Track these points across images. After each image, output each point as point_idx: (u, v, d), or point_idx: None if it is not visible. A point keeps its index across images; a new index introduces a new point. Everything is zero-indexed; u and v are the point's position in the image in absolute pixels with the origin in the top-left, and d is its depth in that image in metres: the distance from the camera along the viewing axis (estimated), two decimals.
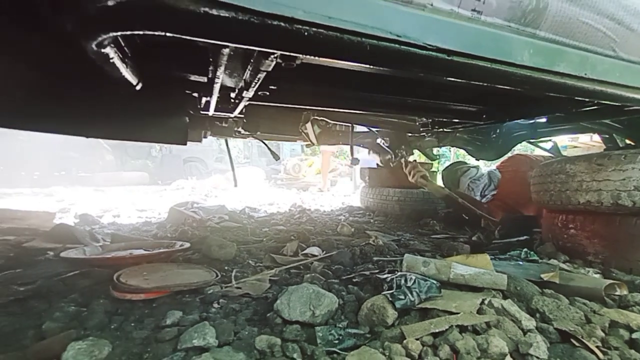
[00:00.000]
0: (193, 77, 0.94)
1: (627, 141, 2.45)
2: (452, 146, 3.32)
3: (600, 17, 0.77)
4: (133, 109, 1.01)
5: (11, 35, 0.68)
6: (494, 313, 0.83)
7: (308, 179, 8.02)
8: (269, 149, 2.54)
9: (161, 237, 2.23)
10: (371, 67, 0.70)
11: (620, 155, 1.60)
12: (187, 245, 1.73)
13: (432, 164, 4.22)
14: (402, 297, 0.89)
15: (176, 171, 10.05)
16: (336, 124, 3.87)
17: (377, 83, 1.11)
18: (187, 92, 1.05)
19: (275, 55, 0.59)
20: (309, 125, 3.13)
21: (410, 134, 4.19)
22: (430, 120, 1.55)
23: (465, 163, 3.28)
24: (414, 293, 0.90)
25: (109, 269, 1.27)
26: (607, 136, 2.30)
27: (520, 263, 1.52)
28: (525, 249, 1.86)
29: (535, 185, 2.13)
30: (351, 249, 1.76)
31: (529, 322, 0.81)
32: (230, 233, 2.38)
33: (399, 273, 1.03)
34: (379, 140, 4.20)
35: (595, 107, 1.21)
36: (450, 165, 3.49)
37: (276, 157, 2.52)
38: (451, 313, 0.83)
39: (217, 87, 0.85)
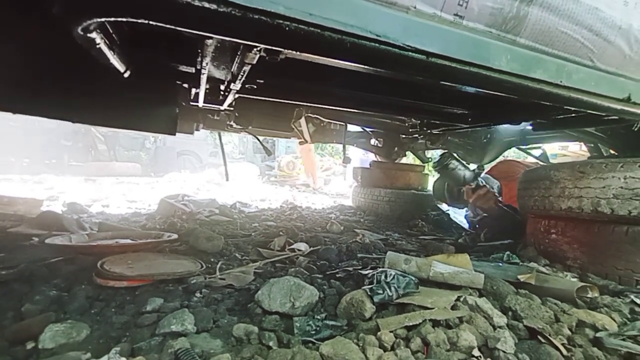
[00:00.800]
0: (182, 67, 0.95)
1: (611, 151, 2.51)
2: (444, 149, 3.35)
3: (579, 27, 0.80)
4: (123, 97, 1.01)
5: (1, 17, 0.68)
6: (467, 309, 0.86)
7: (302, 177, 8.03)
8: (261, 144, 2.55)
9: (150, 227, 2.23)
10: (353, 64, 0.72)
11: (601, 163, 1.65)
12: (175, 236, 1.74)
13: (424, 166, 4.26)
14: (381, 292, 0.91)
15: (169, 164, 9.98)
16: (330, 123, 3.89)
17: (366, 82, 1.13)
18: (178, 82, 1.06)
19: (259, 48, 0.61)
20: (302, 121, 3.14)
21: (403, 136, 4.24)
22: (419, 121, 1.58)
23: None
24: (392, 288, 0.92)
25: (94, 256, 1.28)
26: (592, 145, 2.36)
27: (500, 264, 1.56)
28: (507, 252, 1.91)
29: (521, 190, 2.17)
30: (338, 245, 1.78)
31: (500, 319, 0.84)
32: (219, 227, 2.39)
33: (380, 269, 1.05)
34: (372, 141, 4.24)
35: (574, 115, 1.25)
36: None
37: (269, 152, 2.53)
38: (427, 308, 0.85)
39: (204, 77, 0.86)
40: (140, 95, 1.05)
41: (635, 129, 2.03)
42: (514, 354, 0.70)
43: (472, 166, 3.04)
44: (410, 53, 0.57)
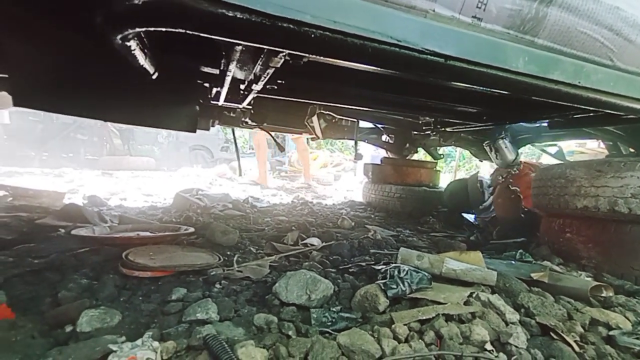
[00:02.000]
0: (206, 69, 0.98)
1: (630, 149, 2.46)
2: (456, 146, 3.33)
3: (598, 27, 0.80)
4: (149, 97, 1.05)
5: (43, 25, 0.72)
6: (480, 305, 0.88)
7: (312, 172, 8.06)
8: (274, 140, 2.59)
9: (167, 221, 2.30)
10: (373, 67, 0.74)
11: (619, 162, 1.63)
12: (192, 230, 1.80)
13: (436, 162, 4.23)
14: (394, 286, 0.94)
15: (182, 158, 10.16)
16: (342, 119, 3.90)
17: (380, 82, 1.14)
18: (199, 82, 1.09)
19: (284, 53, 0.63)
20: (314, 118, 3.16)
21: (415, 132, 4.21)
22: (433, 119, 1.58)
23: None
24: (406, 283, 0.94)
25: (118, 247, 1.34)
26: (610, 143, 2.32)
27: (513, 262, 1.57)
28: (520, 250, 1.90)
29: (535, 188, 2.15)
30: (350, 241, 1.81)
31: (513, 316, 0.85)
32: (233, 221, 2.45)
33: (393, 265, 1.07)
34: (384, 138, 4.23)
35: (592, 115, 1.23)
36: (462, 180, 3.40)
37: (281, 148, 2.57)
38: (439, 303, 0.88)
39: (228, 79, 0.89)
40: (164, 95, 1.09)
41: None
42: (526, 350, 0.72)
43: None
44: (429, 57, 0.58)
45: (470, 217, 3.43)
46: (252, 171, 6.71)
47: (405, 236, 2.36)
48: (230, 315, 0.84)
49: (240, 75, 0.93)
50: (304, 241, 1.75)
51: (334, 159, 9.35)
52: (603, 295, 1.10)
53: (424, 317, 0.79)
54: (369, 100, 1.37)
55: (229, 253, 1.57)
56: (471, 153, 3.37)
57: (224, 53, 0.78)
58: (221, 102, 1.16)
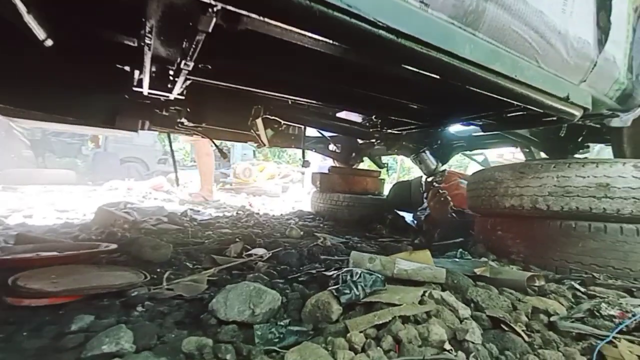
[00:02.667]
0: (121, 39, 0.82)
1: (542, 154, 2.82)
2: (399, 154, 3.48)
3: (527, 28, 0.85)
4: (51, 78, 0.84)
5: None
6: (434, 303, 0.85)
7: (258, 184, 7.82)
8: (216, 146, 2.41)
9: (84, 239, 1.95)
10: (320, 43, 0.68)
11: (537, 164, 1.80)
12: (113, 246, 1.53)
13: (380, 171, 4.38)
14: (348, 291, 0.86)
15: (111, 171, 9.07)
16: (289, 126, 3.84)
17: (329, 70, 1.09)
18: (118, 66, 0.92)
19: (214, 9, 0.53)
20: (259, 123, 3.05)
21: (361, 141, 4.33)
22: (380, 120, 1.57)
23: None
24: (359, 287, 0.88)
25: (8, 272, 1.06)
26: (527, 150, 2.62)
27: (457, 260, 1.62)
28: (460, 249, 2.00)
29: (470, 191, 2.31)
30: (299, 249, 1.71)
31: (465, 311, 0.84)
32: (167, 235, 2.19)
33: (345, 269, 1.01)
34: (331, 147, 4.26)
35: (522, 114, 1.34)
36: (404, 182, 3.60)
37: (224, 155, 2.39)
38: (395, 305, 0.82)
39: (148, 55, 0.75)
40: (72, 77, 0.89)
41: (562, 135, 2.30)
42: (482, 345, 0.70)
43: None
44: (380, 31, 0.54)
45: (408, 217, 3.59)
46: (194, 183, 6.26)
47: (355, 243, 2.34)
48: (152, 343, 0.68)
49: (165, 52, 0.79)
50: (249, 252, 1.60)
51: (281, 170, 9.22)
52: (536, 284, 1.17)
53: (381, 322, 0.73)
54: (316, 92, 1.31)
55: (159, 270, 1.35)
56: (412, 161, 3.56)
57: (140, 16, 0.64)
58: (145, 90, 0.98)
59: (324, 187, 4.02)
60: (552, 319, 0.85)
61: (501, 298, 0.94)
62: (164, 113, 1.49)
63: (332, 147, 4.23)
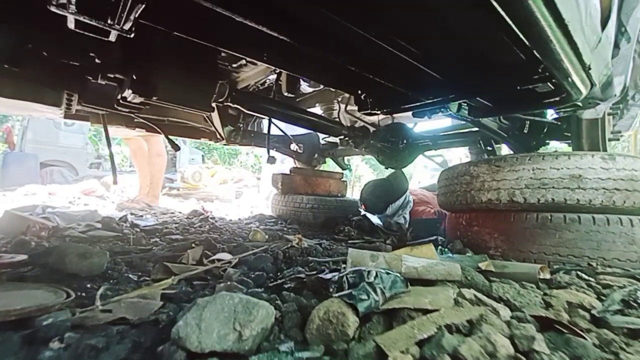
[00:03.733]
0: None
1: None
2: (367, 154, 3.39)
3: None
4: None
5: None
6: (470, 305, 0.68)
7: (210, 190, 7.25)
8: (166, 137, 2.06)
9: None
10: None
11: (513, 157, 1.79)
12: (22, 257, 1.13)
13: (342, 173, 4.28)
14: (365, 296, 0.66)
15: (28, 175, 7.71)
16: (247, 123, 3.54)
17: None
18: None
19: None
20: (215, 114, 2.73)
21: (324, 142, 4.19)
22: (369, 97, 1.38)
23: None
24: (378, 290, 0.68)
25: None
26: (489, 149, 2.68)
27: (451, 255, 1.51)
28: (440, 247, 1.92)
29: (442, 187, 2.26)
30: (271, 252, 1.46)
31: (505, 312, 0.68)
32: (102, 243, 1.77)
33: (351, 269, 0.80)
34: (293, 146, 4.05)
35: (518, 95, 1.24)
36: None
37: (176, 147, 2.05)
38: (428, 311, 0.64)
39: None
40: None
41: (525, 131, 2.38)
42: (549, 354, 0.54)
43: None
44: None
45: (374, 218, 3.51)
46: (134, 188, 5.54)
47: (326, 245, 2.14)
48: None
49: None
50: (210, 258, 1.31)
51: (234, 174, 8.71)
52: (542, 277, 1.08)
53: (425, 335, 0.54)
54: (286, 53, 1.07)
55: (90, 286, 1.01)
56: (379, 161, 3.50)
57: None
58: (71, 20, 0.67)
59: (285, 188, 3.78)
60: (593, 313, 0.73)
61: (531, 294, 0.81)
62: (100, 82, 1.14)
63: (294, 146, 4.02)
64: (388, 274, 0.73)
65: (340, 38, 0.90)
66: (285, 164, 7.57)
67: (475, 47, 0.86)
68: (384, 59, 0.99)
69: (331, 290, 0.78)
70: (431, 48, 0.91)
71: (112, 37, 0.76)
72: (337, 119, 3.08)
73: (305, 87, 3.16)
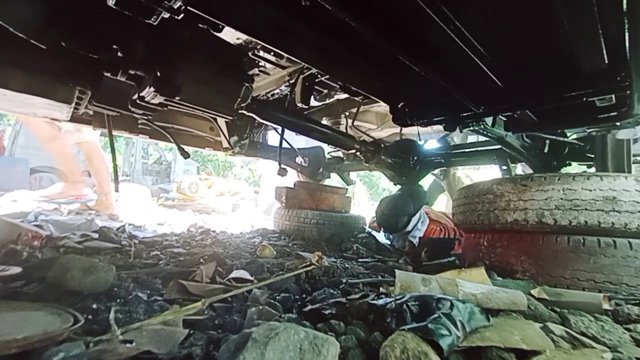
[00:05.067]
0: None
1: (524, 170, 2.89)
2: (375, 169, 3.32)
3: None
4: None
5: None
6: (565, 343, 0.57)
7: (206, 201, 7.07)
8: (177, 144, 1.96)
9: None
10: None
11: (541, 177, 1.73)
12: (16, 270, 1.00)
13: (346, 189, 4.19)
14: (446, 331, 0.54)
15: (18, 181, 7.42)
16: (253, 134, 3.47)
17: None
18: None
19: None
20: (222, 121, 2.65)
21: (329, 157, 4.11)
22: (407, 106, 1.24)
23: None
24: (458, 324, 0.57)
25: None
26: (505, 168, 2.63)
27: (495, 280, 1.40)
28: (463, 269, 1.81)
29: (462, 206, 2.17)
30: (293, 272, 1.33)
31: (606, 354, 0.58)
32: (101, 256, 1.63)
33: (411, 295, 0.69)
34: (298, 159, 3.97)
35: (572, 109, 1.14)
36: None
37: (185, 155, 1.94)
38: (522, 352, 0.53)
39: None
40: None
41: (545, 151, 2.33)
42: None
43: None
44: None
45: (380, 236, 3.39)
46: (127, 198, 5.35)
47: (341, 264, 2.02)
48: None
49: None
50: (231, 276, 1.17)
51: (231, 186, 8.54)
52: (605, 307, 0.98)
53: None
54: (329, 55, 0.97)
55: (96, 306, 0.87)
56: (387, 177, 3.42)
57: None
58: None
59: (290, 202, 3.66)
60: None
61: (614, 329, 0.71)
62: (120, 77, 1.04)
63: (299, 159, 3.93)
64: (463, 303, 0.63)
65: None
66: (286, 177, 7.49)
67: (566, 48, 0.77)
68: (449, 63, 0.89)
69: (388, 320, 0.67)
70: (507, 49, 0.82)
71: (155, 20, 0.67)
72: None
73: (312, 100, 3.12)
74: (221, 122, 2.72)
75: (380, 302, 0.73)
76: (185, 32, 1.04)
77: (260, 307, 0.81)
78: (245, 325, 0.72)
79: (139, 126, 2.55)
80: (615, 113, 1.04)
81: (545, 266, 1.63)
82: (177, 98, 1.09)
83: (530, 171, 3.08)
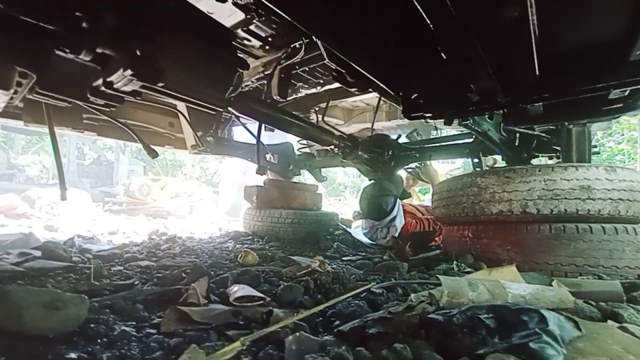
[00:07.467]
0: None
1: (498, 163, 3.04)
2: (353, 165, 3.26)
3: None
4: None
5: None
6: None
7: (160, 204, 6.47)
8: (142, 143, 1.68)
9: None
10: None
11: (523, 169, 1.79)
12: None
13: (317, 186, 4.10)
14: (554, 352, 0.47)
15: None
16: (218, 129, 3.22)
17: None
18: None
19: None
20: (183, 121, 2.40)
21: (299, 151, 3.97)
22: (422, 96, 1.15)
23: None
24: (559, 339, 0.50)
25: None
26: (476, 160, 2.74)
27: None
28: (455, 262, 1.83)
29: (443, 199, 2.20)
30: (300, 281, 1.20)
31: None
32: (50, 279, 1.32)
33: (473, 305, 0.61)
34: (268, 156, 3.77)
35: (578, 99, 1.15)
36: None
37: (154, 154, 1.68)
38: None
39: None
40: None
41: (517, 144, 2.46)
42: None
43: None
44: None
45: (354, 232, 3.37)
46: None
47: (336, 267, 1.91)
48: None
49: None
50: (235, 294, 1.00)
51: (187, 187, 7.95)
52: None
53: None
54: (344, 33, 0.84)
55: (70, 356, 0.66)
56: (361, 172, 3.38)
57: None
58: None
59: (261, 202, 3.46)
60: None
61: None
62: (84, 57, 0.80)
63: (268, 156, 3.73)
64: (549, 312, 0.57)
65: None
66: (248, 175, 7.12)
67: (618, 38, 0.74)
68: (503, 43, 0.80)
69: (460, 336, 0.58)
70: (561, 37, 0.76)
71: None
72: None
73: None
74: (182, 118, 2.45)
75: (438, 315, 0.65)
76: (169, 2, 0.85)
77: (298, 334, 0.67)
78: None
79: (84, 121, 2.20)
80: (621, 105, 1.07)
81: (530, 254, 1.70)
82: (159, 85, 0.89)
83: (490, 164, 3.28)
